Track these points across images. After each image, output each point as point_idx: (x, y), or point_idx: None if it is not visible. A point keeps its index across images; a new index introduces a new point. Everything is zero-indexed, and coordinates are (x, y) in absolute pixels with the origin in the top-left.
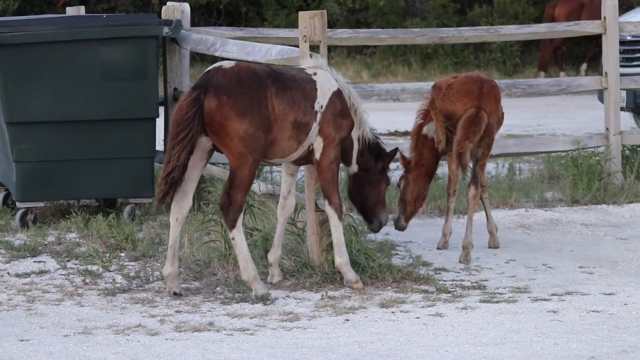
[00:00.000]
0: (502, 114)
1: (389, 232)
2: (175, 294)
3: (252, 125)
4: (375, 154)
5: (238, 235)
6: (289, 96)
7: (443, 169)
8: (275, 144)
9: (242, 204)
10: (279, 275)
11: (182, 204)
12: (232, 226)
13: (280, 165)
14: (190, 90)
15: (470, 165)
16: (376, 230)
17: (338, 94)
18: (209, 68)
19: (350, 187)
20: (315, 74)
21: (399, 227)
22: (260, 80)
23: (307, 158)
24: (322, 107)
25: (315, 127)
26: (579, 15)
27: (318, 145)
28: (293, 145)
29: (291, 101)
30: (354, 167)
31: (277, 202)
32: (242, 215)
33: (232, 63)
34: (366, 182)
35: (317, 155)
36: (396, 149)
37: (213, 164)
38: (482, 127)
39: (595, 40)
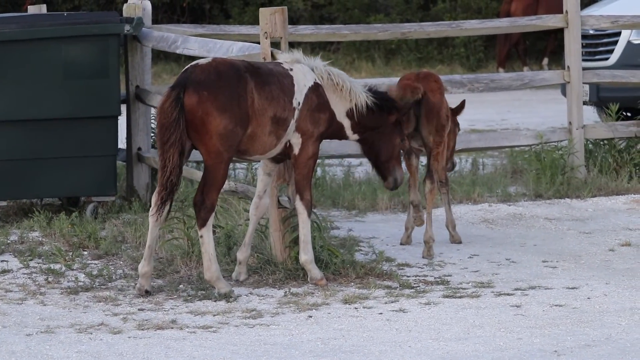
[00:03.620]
0: (448, 115)
1: (352, 228)
2: (146, 291)
3: (232, 121)
4: (387, 108)
5: (207, 234)
6: (267, 91)
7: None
8: (255, 139)
9: (214, 203)
10: (246, 274)
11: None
12: (202, 225)
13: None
14: (169, 90)
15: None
16: (391, 188)
17: (314, 89)
18: (186, 67)
19: (361, 147)
20: (291, 69)
21: None
22: (239, 73)
23: (285, 154)
24: (299, 103)
25: (293, 123)
26: (535, 11)
27: (296, 141)
28: (273, 141)
29: (270, 96)
30: (354, 137)
31: (240, 199)
32: (213, 214)
33: (209, 58)
34: (375, 138)
35: (296, 151)
36: (411, 102)
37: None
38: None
39: (554, 34)
